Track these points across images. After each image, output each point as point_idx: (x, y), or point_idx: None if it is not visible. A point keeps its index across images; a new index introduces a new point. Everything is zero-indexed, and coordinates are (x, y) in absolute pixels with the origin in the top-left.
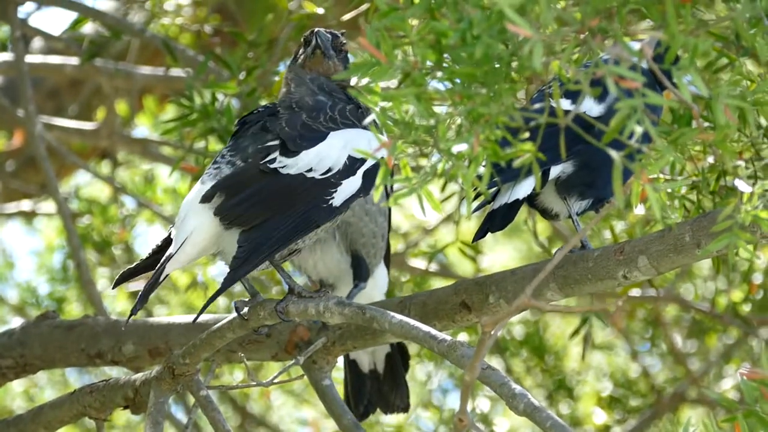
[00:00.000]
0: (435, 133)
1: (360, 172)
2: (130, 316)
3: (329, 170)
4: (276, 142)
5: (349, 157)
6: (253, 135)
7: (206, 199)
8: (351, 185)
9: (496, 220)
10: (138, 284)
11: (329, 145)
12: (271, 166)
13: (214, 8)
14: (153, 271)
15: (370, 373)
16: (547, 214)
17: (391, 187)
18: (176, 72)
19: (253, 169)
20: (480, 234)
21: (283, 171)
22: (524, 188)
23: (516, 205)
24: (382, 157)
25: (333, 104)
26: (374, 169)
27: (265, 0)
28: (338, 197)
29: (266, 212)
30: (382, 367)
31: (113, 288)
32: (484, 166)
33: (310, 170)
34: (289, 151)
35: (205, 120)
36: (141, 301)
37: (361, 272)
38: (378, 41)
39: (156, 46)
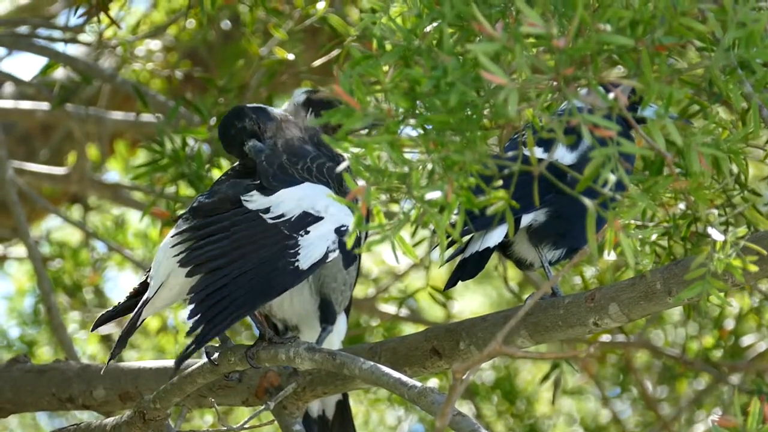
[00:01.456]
0: (408, 180)
1: (315, 233)
2: (109, 360)
3: (281, 216)
4: (254, 182)
5: (303, 212)
6: (229, 184)
7: (178, 243)
8: (316, 249)
9: (468, 269)
10: (108, 328)
11: (290, 193)
12: (243, 197)
13: (185, 54)
14: (130, 315)
15: (319, 419)
16: (522, 265)
17: (365, 235)
18: (147, 117)
19: (222, 202)
20: (451, 282)
21: (247, 205)
22: (495, 236)
23: (487, 253)
24: (356, 204)
25: (315, 157)
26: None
27: (236, 46)
28: (304, 260)
29: (224, 251)
30: (331, 414)
31: (92, 331)
32: (457, 213)
33: (266, 211)
34: (264, 188)
35: (175, 165)
36: (119, 345)
37: (328, 315)
38: (351, 88)
39: (127, 92)
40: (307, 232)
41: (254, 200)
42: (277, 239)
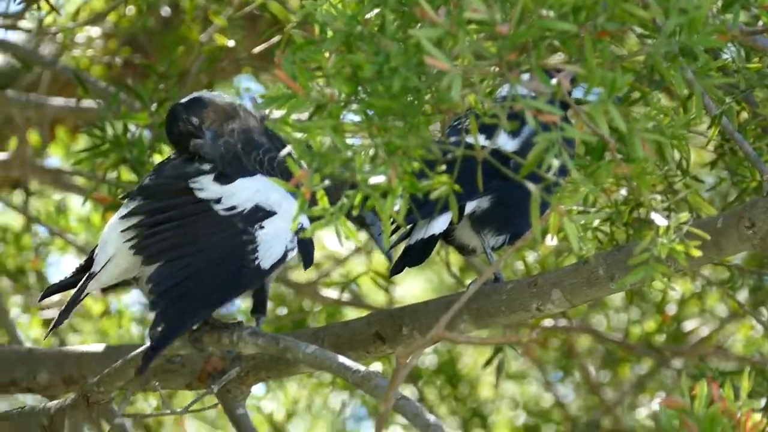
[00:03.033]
0: (351, 164)
1: (271, 226)
2: (51, 330)
3: (233, 207)
4: (205, 166)
5: (256, 205)
6: (175, 167)
7: (124, 218)
8: (275, 246)
9: (413, 256)
10: (51, 312)
11: (244, 184)
12: (191, 185)
13: (125, 40)
14: (73, 290)
15: None
16: (464, 250)
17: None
18: (88, 103)
19: (170, 185)
20: (396, 269)
21: (197, 193)
22: (440, 224)
23: (432, 240)
24: (299, 189)
25: (267, 149)
26: (308, 240)
27: (176, 32)
28: (264, 259)
29: (179, 242)
30: None
31: (40, 300)
32: (401, 198)
33: (218, 201)
34: (217, 176)
35: (117, 150)
36: (61, 316)
37: (261, 306)
38: (294, 73)
39: (67, 78)
40: (262, 228)
41: (205, 188)
42: (233, 233)
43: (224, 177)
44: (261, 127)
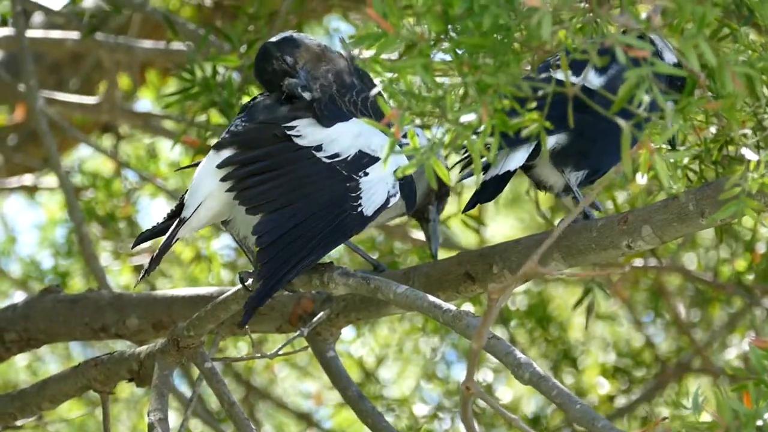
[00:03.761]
0: (442, 103)
1: (374, 173)
2: (142, 277)
3: (336, 155)
4: (299, 108)
5: (360, 151)
6: (267, 108)
7: (218, 148)
8: (378, 190)
9: (487, 191)
10: (141, 258)
11: (344, 129)
12: (288, 132)
13: None
14: (164, 237)
15: None
16: (542, 187)
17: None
18: (177, 46)
19: (266, 131)
20: (470, 205)
21: (296, 140)
22: (516, 160)
23: (507, 176)
24: (390, 129)
25: (360, 90)
26: (409, 182)
27: None
28: (367, 205)
29: (283, 191)
30: None
31: (133, 248)
32: (491, 136)
33: (319, 149)
34: (317, 116)
35: (206, 93)
36: (154, 262)
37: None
38: (384, 11)
39: (157, 20)
40: (366, 174)
41: (304, 134)
42: (337, 180)
43: (323, 121)
44: (350, 68)
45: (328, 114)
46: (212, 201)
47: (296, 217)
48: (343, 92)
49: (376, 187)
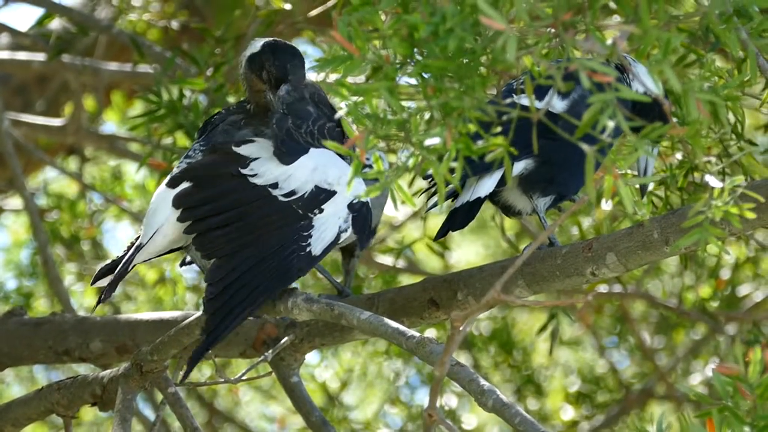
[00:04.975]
0: (407, 126)
1: (329, 209)
2: (97, 304)
3: (293, 193)
4: (255, 139)
5: (316, 186)
6: (225, 131)
7: (172, 184)
8: (328, 232)
9: (458, 219)
10: (105, 280)
11: (301, 164)
12: (243, 171)
13: (182, 4)
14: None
15: None
16: (510, 212)
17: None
18: (144, 68)
19: (221, 167)
20: (442, 232)
21: (251, 179)
22: (486, 186)
23: (477, 203)
24: (354, 152)
25: (316, 118)
26: (362, 215)
27: None
28: (316, 244)
29: (239, 235)
30: None
31: (92, 285)
32: (456, 160)
33: (275, 186)
34: (276, 155)
35: (172, 116)
36: (109, 289)
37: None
38: (350, 35)
39: (123, 42)
40: (321, 211)
41: (260, 173)
42: (291, 220)
43: (283, 158)
44: (306, 94)
45: (287, 150)
46: (168, 228)
47: (246, 262)
48: (299, 123)
49: (328, 224)
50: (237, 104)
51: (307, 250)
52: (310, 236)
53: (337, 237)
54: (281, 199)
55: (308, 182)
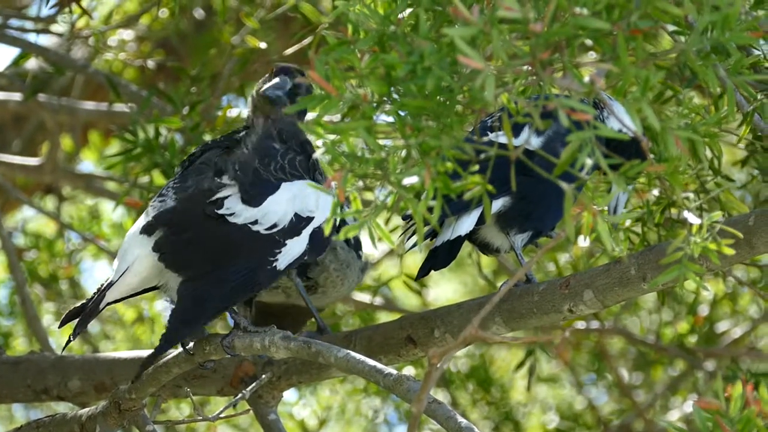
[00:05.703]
0: (385, 165)
1: (305, 233)
2: (68, 343)
3: (274, 225)
4: (227, 183)
5: (296, 215)
6: (199, 170)
7: (147, 231)
8: (296, 247)
9: (439, 258)
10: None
11: (275, 200)
12: (218, 211)
13: (158, 43)
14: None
15: None
16: (488, 249)
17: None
18: (120, 107)
19: (196, 210)
20: (423, 272)
21: (230, 219)
22: (466, 225)
23: (458, 241)
24: (333, 191)
25: (284, 153)
26: (320, 230)
27: (209, 35)
28: (282, 259)
29: (206, 262)
30: None
31: (59, 327)
32: (434, 199)
33: (255, 223)
34: (244, 199)
35: (149, 155)
36: (79, 326)
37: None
38: (327, 74)
39: (100, 82)
40: (299, 234)
41: (238, 212)
42: (270, 247)
43: (251, 202)
44: (271, 130)
45: (254, 193)
46: (139, 266)
47: (219, 286)
48: (267, 162)
49: (299, 241)
50: (217, 139)
51: (273, 265)
52: (279, 253)
53: (303, 253)
54: (263, 232)
55: (288, 213)
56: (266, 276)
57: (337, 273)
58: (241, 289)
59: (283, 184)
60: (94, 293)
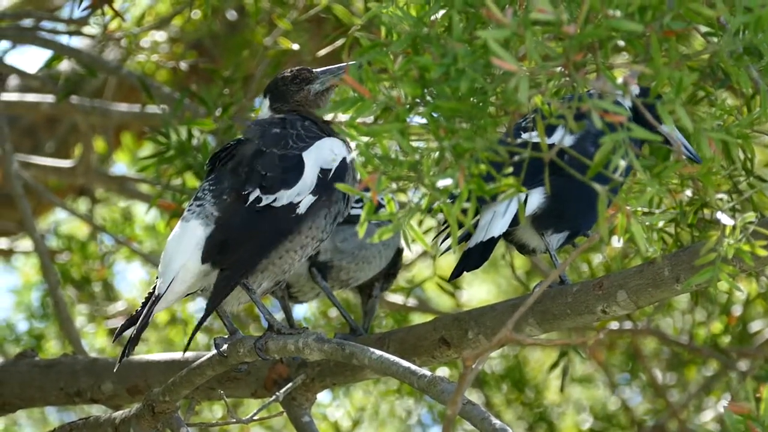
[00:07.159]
0: (419, 168)
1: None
2: (121, 359)
3: (296, 203)
4: (256, 184)
5: (322, 170)
6: (233, 171)
7: (191, 239)
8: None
9: (472, 259)
10: (116, 321)
11: (306, 173)
12: (260, 204)
13: (190, 45)
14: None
15: None
16: (524, 250)
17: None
18: (152, 109)
19: (243, 212)
20: (456, 273)
21: (275, 204)
22: (499, 226)
23: (491, 242)
24: (367, 193)
25: (288, 134)
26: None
27: (241, 36)
28: (302, 205)
29: (255, 250)
30: None
31: (113, 341)
32: (468, 201)
33: (298, 195)
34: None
35: (181, 157)
36: (131, 344)
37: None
38: (360, 76)
39: (132, 84)
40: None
41: (279, 197)
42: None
43: (287, 186)
44: (272, 117)
45: (285, 179)
46: (186, 273)
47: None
48: (283, 143)
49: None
50: (239, 137)
51: (296, 212)
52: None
53: (316, 190)
54: (307, 200)
55: (311, 174)
56: (288, 223)
57: (354, 263)
58: (267, 241)
59: (303, 154)
60: (143, 306)
